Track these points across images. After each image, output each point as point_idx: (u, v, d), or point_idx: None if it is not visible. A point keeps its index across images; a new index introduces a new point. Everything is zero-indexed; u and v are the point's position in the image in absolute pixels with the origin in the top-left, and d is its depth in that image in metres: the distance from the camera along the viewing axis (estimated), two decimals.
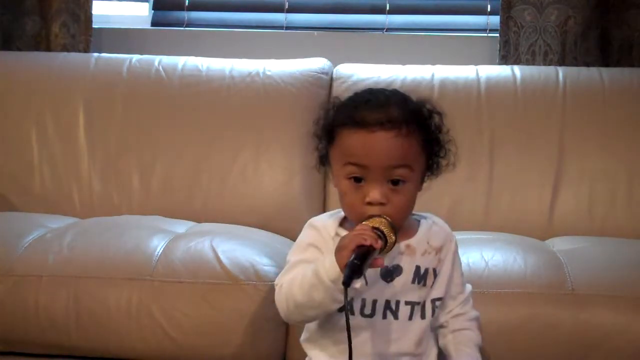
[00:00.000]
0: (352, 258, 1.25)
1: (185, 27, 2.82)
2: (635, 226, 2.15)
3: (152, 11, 2.87)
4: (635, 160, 2.22)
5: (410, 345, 1.39)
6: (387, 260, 1.35)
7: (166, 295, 1.71)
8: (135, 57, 2.46)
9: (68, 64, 2.47)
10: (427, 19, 2.76)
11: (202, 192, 2.26)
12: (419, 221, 1.45)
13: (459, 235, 1.96)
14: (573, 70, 2.37)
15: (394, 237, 1.31)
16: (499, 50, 2.55)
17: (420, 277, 1.40)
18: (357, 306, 1.38)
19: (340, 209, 1.44)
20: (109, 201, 2.28)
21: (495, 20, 2.61)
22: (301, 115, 2.28)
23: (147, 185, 2.28)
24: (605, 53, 2.53)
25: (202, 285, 1.72)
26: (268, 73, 2.37)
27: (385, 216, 1.33)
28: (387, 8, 2.73)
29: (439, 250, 1.43)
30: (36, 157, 2.33)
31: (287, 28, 2.78)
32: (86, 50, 2.66)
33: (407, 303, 1.39)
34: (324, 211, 2.24)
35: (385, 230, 1.31)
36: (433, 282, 1.42)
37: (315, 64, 2.42)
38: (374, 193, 1.33)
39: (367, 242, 1.26)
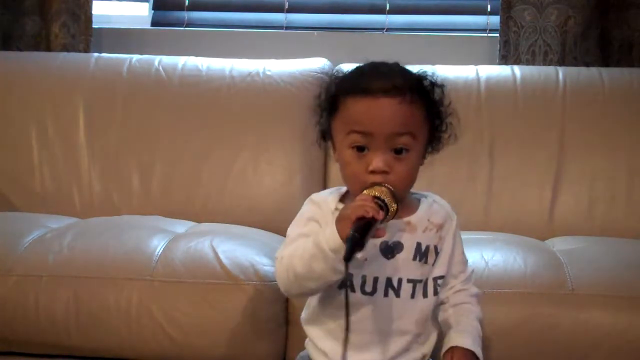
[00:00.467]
0: (352, 231, 1.24)
1: (185, 27, 2.82)
2: (635, 226, 2.16)
3: (152, 11, 2.88)
4: (635, 160, 2.22)
5: (411, 324, 1.39)
6: (388, 236, 1.34)
7: (166, 295, 1.71)
8: (135, 57, 2.46)
9: (68, 64, 2.47)
10: (427, 19, 2.76)
11: (202, 192, 2.26)
12: (420, 199, 1.44)
13: None
14: (573, 70, 2.38)
15: (395, 206, 1.30)
16: (499, 50, 2.56)
17: (421, 254, 1.39)
18: (357, 283, 1.37)
19: (341, 186, 1.43)
20: (109, 201, 2.28)
21: (495, 20, 2.61)
22: (301, 115, 2.28)
23: (147, 185, 2.28)
24: (605, 53, 2.53)
25: (202, 285, 1.72)
26: (268, 73, 2.37)
27: (387, 185, 1.32)
28: (387, 8, 2.74)
29: (440, 227, 1.42)
30: (36, 157, 2.33)
31: (287, 28, 2.78)
32: (86, 50, 2.66)
33: (409, 281, 1.38)
34: None
35: (387, 199, 1.30)
36: (435, 260, 1.41)
37: (315, 64, 2.42)
38: (377, 161, 1.33)
39: (369, 214, 1.25)
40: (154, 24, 2.86)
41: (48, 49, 2.66)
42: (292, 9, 2.79)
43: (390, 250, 1.37)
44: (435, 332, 1.44)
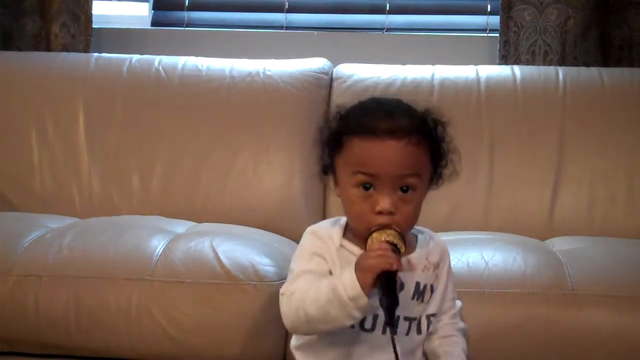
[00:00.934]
0: (384, 295, 1.26)
1: (185, 27, 2.82)
2: (635, 226, 2.15)
3: (152, 11, 2.88)
4: (635, 160, 2.22)
5: (405, 359, 1.39)
6: None
7: (166, 295, 1.71)
8: (135, 57, 2.46)
9: (68, 64, 2.47)
10: (427, 19, 2.76)
11: (202, 192, 2.26)
12: (416, 236, 1.45)
13: (459, 235, 1.97)
14: (573, 70, 2.37)
15: (404, 248, 1.32)
16: (499, 50, 2.56)
17: (419, 293, 1.40)
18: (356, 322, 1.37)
19: (340, 217, 1.43)
20: (109, 201, 2.27)
21: (495, 20, 2.61)
22: (301, 115, 2.28)
23: (147, 185, 2.28)
24: (605, 53, 2.53)
25: (202, 285, 1.72)
26: (268, 73, 2.37)
27: (394, 227, 1.32)
28: (387, 8, 2.74)
29: (436, 266, 1.43)
30: (36, 157, 2.33)
31: (287, 28, 2.78)
32: (86, 50, 2.66)
33: (405, 319, 1.39)
34: (324, 211, 2.25)
35: (397, 242, 1.31)
36: (430, 298, 1.42)
37: (315, 64, 2.42)
38: (385, 202, 1.33)
39: (394, 267, 1.27)
40: (154, 24, 2.86)
41: (48, 49, 2.66)
42: (292, 9, 2.79)
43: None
44: None
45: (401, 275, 1.34)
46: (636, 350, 1.63)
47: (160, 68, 2.41)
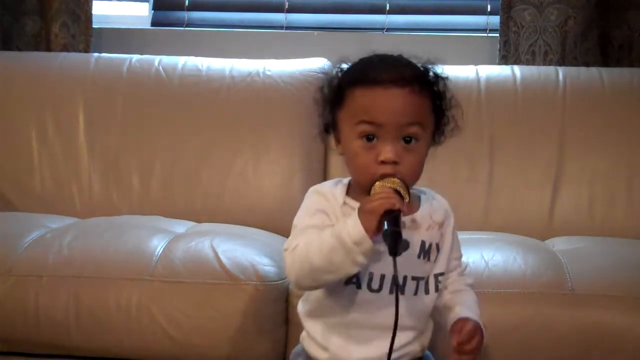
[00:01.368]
0: (388, 226, 1.25)
1: (185, 27, 2.82)
2: (635, 226, 2.16)
3: (152, 11, 2.88)
4: (635, 160, 2.22)
5: (414, 320, 1.39)
6: None
7: (166, 295, 1.71)
8: (135, 57, 2.46)
9: (68, 64, 2.47)
10: (427, 19, 2.76)
11: (202, 192, 2.26)
12: (419, 196, 1.44)
13: (459, 235, 1.96)
14: (573, 70, 2.37)
15: (407, 198, 1.31)
16: (499, 50, 2.55)
17: (425, 252, 1.39)
18: (364, 280, 1.36)
19: (342, 178, 1.43)
20: (109, 201, 2.28)
21: (495, 20, 2.61)
22: (301, 115, 2.28)
23: (147, 185, 2.28)
24: (605, 53, 2.53)
25: (202, 285, 1.72)
26: (268, 73, 2.37)
27: (398, 176, 1.32)
28: (387, 8, 2.73)
29: (441, 225, 1.42)
30: (36, 157, 2.33)
31: (287, 28, 2.78)
32: (86, 50, 2.66)
33: (413, 278, 1.38)
34: None
35: (402, 191, 1.31)
36: (436, 257, 1.41)
37: (315, 64, 2.42)
38: (388, 151, 1.33)
39: (396, 207, 1.26)
40: (154, 24, 2.85)
41: (48, 49, 2.66)
42: (292, 9, 2.79)
43: (395, 250, 1.37)
44: (431, 323, 1.44)
45: (406, 235, 1.34)
46: (636, 350, 1.63)
47: (160, 68, 2.41)
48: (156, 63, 2.42)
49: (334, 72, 1.45)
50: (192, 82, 2.38)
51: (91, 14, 2.67)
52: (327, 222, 1.36)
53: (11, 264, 1.77)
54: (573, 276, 1.71)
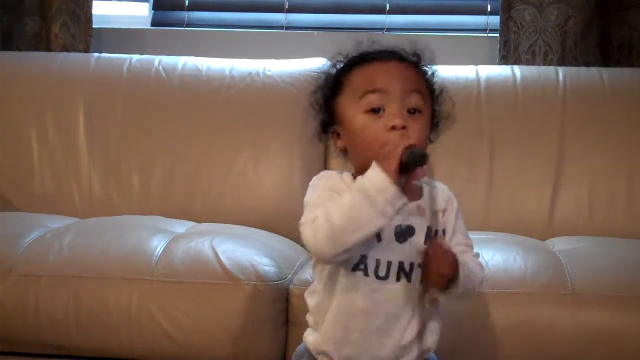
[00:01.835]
0: (410, 152, 1.25)
1: (185, 27, 2.82)
2: (635, 226, 2.16)
3: (152, 11, 2.88)
4: (635, 160, 2.22)
5: (421, 309, 1.37)
6: (400, 220, 1.33)
7: (166, 295, 1.71)
8: (135, 57, 2.46)
9: (68, 64, 2.47)
10: (427, 19, 2.76)
11: (202, 192, 2.26)
12: (421, 184, 1.42)
13: None
14: (573, 70, 2.37)
15: (427, 155, 1.31)
16: (499, 50, 2.55)
17: (431, 238, 1.37)
18: (371, 267, 1.35)
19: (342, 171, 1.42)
20: (109, 201, 2.28)
21: (495, 20, 2.61)
22: (301, 115, 2.28)
23: (147, 185, 2.28)
24: (605, 53, 2.53)
25: (202, 285, 1.72)
26: (268, 73, 2.37)
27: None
28: (387, 8, 2.73)
29: (444, 211, 1.41)
30: (36, 157, 2.33)
31: (287, 28, 2.78)
32: (86, 50, 2.66)
33: (419, 265, 1.36)
34: None
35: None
36: None
37: (315, 64, 2.42)
38: (397, 117, 1.33)
39: (412, 141, 1.27)
40: (154, 24, 2.85)
41: (48, 49, 2.66)
42: (292, 9, 2.79)
43: (402, 235, 1.35)
44: (440, 324, 1.42)
45: (412, 221, 1.34)
46: (636, 350, 1.63)
47: (160, 68, 2.41)
48: (156, 63, 2.42)
49: (329, 67, 1.47)
50: (192, 82, 2.38)
51: (91, 14, 2.67)
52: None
53: (11, 264, 1.77)
54: (573, 276, 1.71)
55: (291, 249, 2.02)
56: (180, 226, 2.04)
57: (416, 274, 1.36)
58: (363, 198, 1.26)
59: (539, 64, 2.49)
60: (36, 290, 1.73)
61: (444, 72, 2.34)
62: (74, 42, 2.65)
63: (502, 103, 2.31)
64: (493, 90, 2.33)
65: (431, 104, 1.42)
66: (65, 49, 2.64)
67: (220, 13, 2.85)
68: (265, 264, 1.77)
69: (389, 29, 2.73)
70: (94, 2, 2.69)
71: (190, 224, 2.10)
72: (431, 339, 1.39)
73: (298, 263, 1.91)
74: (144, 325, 1.70)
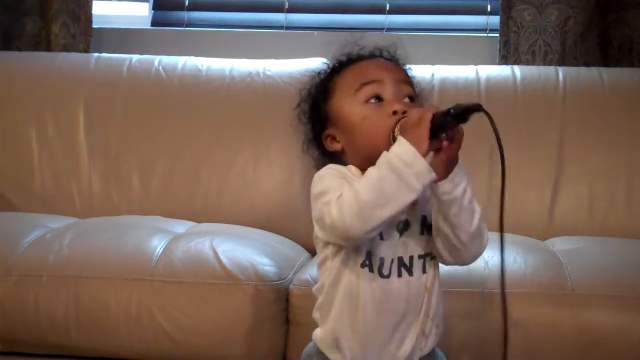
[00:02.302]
0: (447, 112, 1.23)
1: (185, 27, 2.82)
2: (635, 226, 2.15)
3: (152, 11, 2.88)
4: (635, 160, 2.22)
5: (426, 301, 1.36)
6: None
7: (166, 295, 1.71)
8: (135, 57, 2.46)
9: (68, 64, 2.47)
10: (427, 19, 2.76)
11: (202, 192, 2.26)
12: None
13: None
14: (573, 70, 2.37)
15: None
16: (499, 50, 2.56)
17: (427, 226, 1.36)
18: (375, 265, 1.33)
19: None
20: (109, 201, 2.28)
21: (495, 20, 2.61)
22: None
23: (147, 185, 2.28)
24: (605, 53, 2.53)
25: (202, 285, 1.72)
26: (268, 73, 2.37)
27: None
28: (387, 8, 2.74)
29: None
30: (36, 157, 2.33)
31: (287, 28, 2.78)
32: (86, 50, 2.66)
33: (419, 257, 1.35)
34: None
35: None
36: None
37: (315, 64, 2.42)
38: (398, 102, 1.34)
39: (440, 108, 1.25)
40: (154, 24, 2.86)
41: (48, 49, 2.66)
42: (292, 9, 2.79)
43: (401, 230, 1.35)
44: (442, 314, 1.41)
45: (407, 215, 1.32)
46: (636, 350, 1.63)
47: (160, 68, 2.41)
48: (156, 63, 2.42)
49: (313, 76, 1.49)
50: (192, 82, 2.38)
51: (91, 14, 2.67)
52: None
53: (11, 264, 1.77)
54: (573, 276, 1.71)
55: (291, 249, 2.02)
56: (180, 226, 2.04)
57: (417, 266, 1.35)
58: (390, 171, 1.23)
59: (539, 64, 2.49)
60: (36, 290, 1.73)
61: (444, 72, 2.37)
62: (74, 42, 2.65)
63: (502, 103, 2.31)
64: (493, 90, 2.33)
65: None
66: (65, 49, 2.64)
67: (220, 13, 2.85)
68: (265, 264, 1.77)
69: (389, 29, 2.73)
70: (94, 2, 2.69)
71: (190, 224, 2.10)
72: (435, 331, 1.39)
73: (298, 263, 1.91)
74: (144, 325, 1.70)
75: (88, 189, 2.29)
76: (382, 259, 1.34)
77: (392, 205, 1.23)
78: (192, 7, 2.83)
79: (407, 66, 1.47)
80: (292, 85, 2.35)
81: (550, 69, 2.38)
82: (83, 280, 1.74)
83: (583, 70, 2.39)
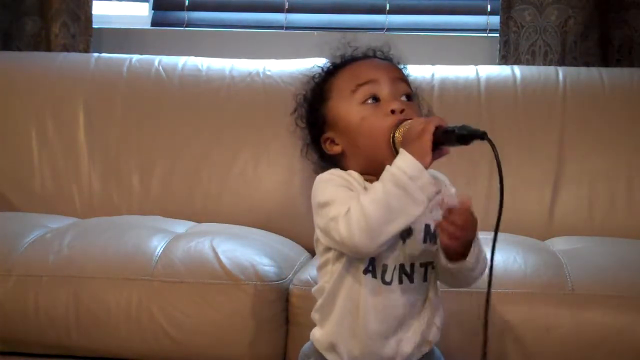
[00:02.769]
0: (451, 130, 1.24)
1: (185, 27, 2.82)
2: (635, 226, 2.15)
3: (152, 11, 2.88)
4: (635, 160, 2.22)
5: (426, 308, 1.37)
6: None
7: (166, 295, 1.71)
8: (135, 57, 2.46)
9: (68, 64, 2.47)
10: (427, 19, 2.76)
11: (202, 192, 2.26)
12: None
13: None
14: (573, 70, 2.37)
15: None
16: (499, 50, 2.55)
17: (431, 235, 1.36)
18: (378, 271, 1.33)
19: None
20: (109, 201, 2.28)
21: (495, 20, 2.61)
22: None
23: (147, 185, 2.28)
24: (605, 53, 2.53)
25: (202, 285, 1.72)
26: (268, 73, 2.37)
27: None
28: (387, 8, 2.73)
29: (442, 203, 1.38)
30: (36, 157, 2.33)
31: (287, 28, 2.78)
32: (86, 50, 2.66)
33: (421, 265, 1.36)
34: None
35: None
36: None
37: (315, 64, 2.41)
38: (395, 101, 1.34)
39: (444, 123, 1.26)
40: (154, 24, 2.86)
41: (48, 49, 2.66)
42: (292, 9, 2.79)
43: (403, 237, 1.34)
44: (442, 317, 1.41)
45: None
46: (636, 350, 1.63)
47: (160, 68, 2.41)
48: (156, 63, 2.42)
49: (308, 80, 1.50)
50: (192, 82, 2.38)
51: (91, 14, 2.67)
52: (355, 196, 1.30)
53: (11, 264, 1.77)
54: (573, 276, 1.71)
55: (291, 249, 2.02)
56: (180, 226, 2.04)
57: (418, 274, 1.36)
58: (395, 185, 1.23)
59: (539, 64, 2.49)
60: (36, 290, 1.73)
61: (444, 72, 2.37)
62: (74, 42, 2.65)
63: (502, 103, 2.31)
64: (493, 90, 2.33)
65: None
66: (65, 49, 2.64)
67: (220, 13, 2.85)
68: (265, 264, 1.77)
69: (389, 29, 2.73)
70: (94, 2, 2.69)
71: (190, 224, 2.10)
72: (434, 333, 1.39)
73: (298, 263, 1.91)
74: (144, 325, 1.70)
75: (88, 189, 2.29)
76: (385, 266, 1.34)
77: (400, 219, 1.25)
78: (192, 7, 2.83)
79: (402, 65, 1.47)
80: (292, 85, 2.34)
81: (550, 69, 2.38)
82: (83, 280, 1.74)
83: (583, 70, 2.39)
